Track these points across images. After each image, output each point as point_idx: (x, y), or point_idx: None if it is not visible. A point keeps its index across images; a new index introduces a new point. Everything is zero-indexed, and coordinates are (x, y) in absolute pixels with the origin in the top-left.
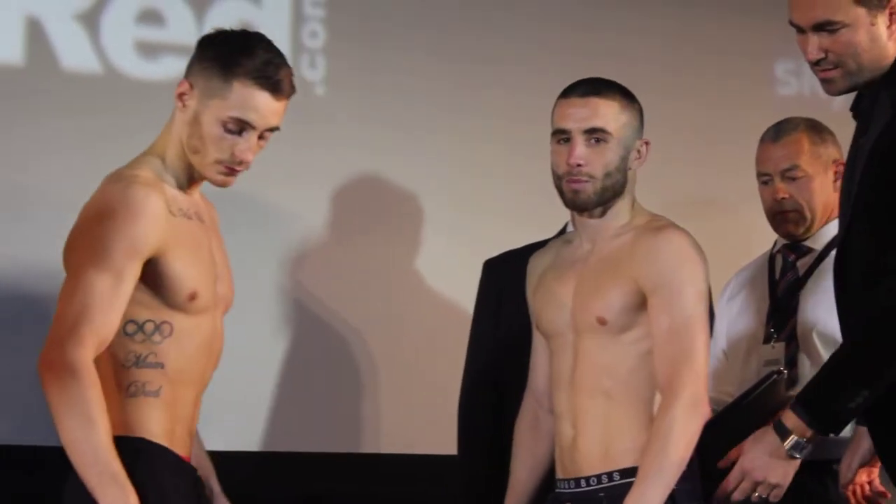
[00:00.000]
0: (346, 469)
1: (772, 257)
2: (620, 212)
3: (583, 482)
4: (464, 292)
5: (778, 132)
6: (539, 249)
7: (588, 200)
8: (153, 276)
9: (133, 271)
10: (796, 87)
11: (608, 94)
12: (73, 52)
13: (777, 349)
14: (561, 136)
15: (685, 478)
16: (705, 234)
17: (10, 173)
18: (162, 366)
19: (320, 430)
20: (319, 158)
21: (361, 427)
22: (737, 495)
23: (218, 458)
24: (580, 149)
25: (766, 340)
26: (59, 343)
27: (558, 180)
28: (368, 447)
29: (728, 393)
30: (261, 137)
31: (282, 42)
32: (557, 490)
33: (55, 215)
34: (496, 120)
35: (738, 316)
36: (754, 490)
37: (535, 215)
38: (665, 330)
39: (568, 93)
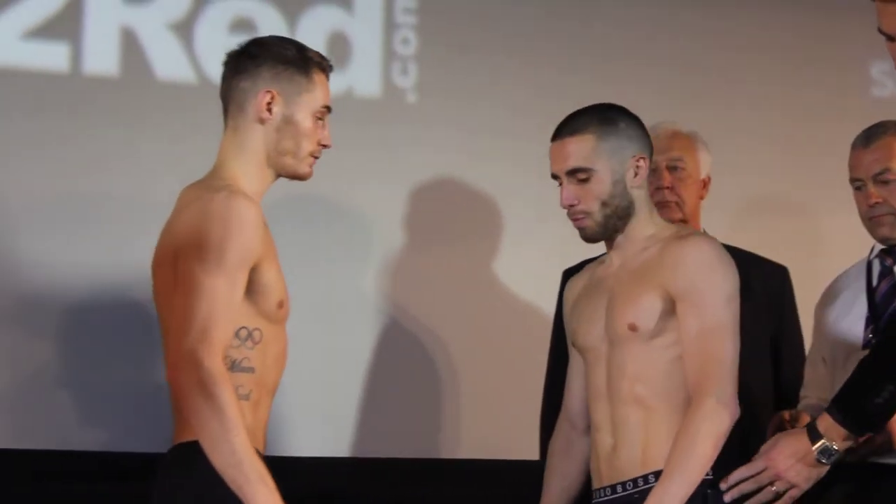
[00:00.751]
0: (426, 474)
1: (869, 263)
2: (640, 227)
3: (619, 487)
4: (546, 299)
5: (868, 137)
6: (575, 273)
7: (594, 234)
8: (251, 285)
9: (243, 280)
10: (892, 89)
11: (582, 131)
12: (168, 62)
13: None
14: (555, 180)
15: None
16: (796, 239)
17: (106, 182)
18: (253, 370)
19: (401, 436)
20: (410, 165)
21: (442, 432)
22: (749, 484)
23: (304, 464)
24: (567, 190)
25: (865, 346)
26: (194, 351)
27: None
28: (448, 453)
29: (827, 399)
30: None
31: (373, 49)
32: (595, 501)
33: (150, 223)
34: None
35: (837, 322)
36: (771, 483)
37: None
38: (694, 334)
39: (552, 136)
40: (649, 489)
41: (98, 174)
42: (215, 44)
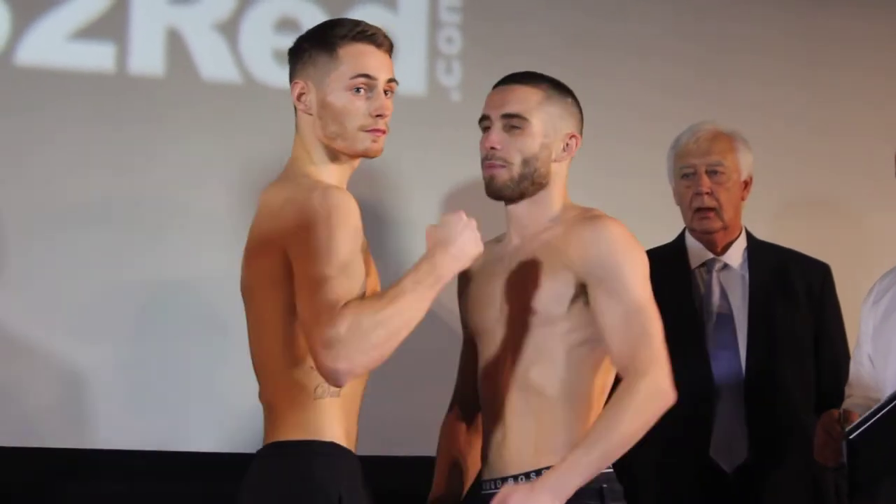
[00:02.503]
0: None
1: None
2: (547, 204)
3: (511, 481)
4: None
5: None
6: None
7: (504, 186)
8: None
9: (361, 264)
10: None
11: (533, 83)
12: (213, 61)
13: None
14: (483, 123)
15: (615, 479)
16: (840, 237)
17: (152, 182)
18: None
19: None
20: (454, 163)
21: None
22: None
23: None
24: (496, 133)
25: None
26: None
27: (482, 168)
28: None
29: (874, 399)
30: (386, 94)
31: (418, 48)
32: (483, 492)
33: (196, 223)
34: (632, 121)
35: (884, 319)
36: None
37: (667, 212)
38: (619, 316)
39: (498, 84)
40: None
41: (143, 174)
42: (260, 43)
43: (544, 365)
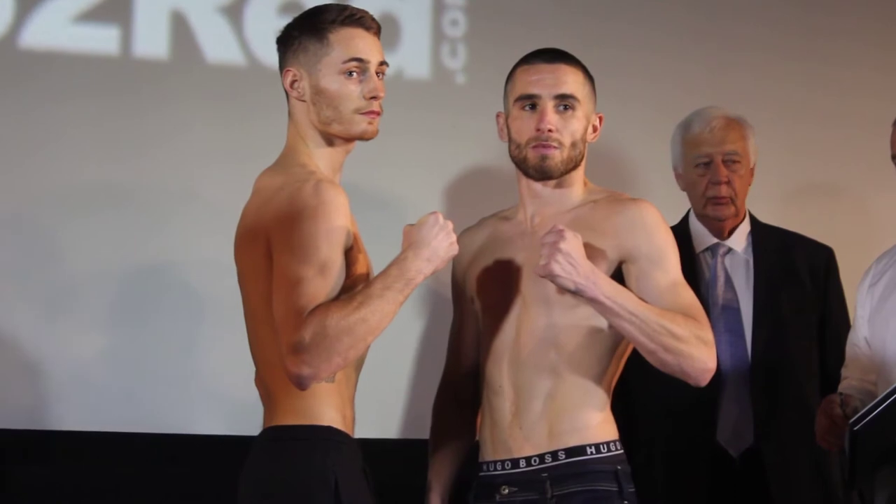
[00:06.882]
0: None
1: None
2: (574, 183)
3: (522, 462)
4: None
5: None
6: (471, 227)
7: (555, 168)
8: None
9: (340, 265)
10: None
11: (573, 63)
12: (217, 45)
13: None
14: (527, 101)
15: (626, 461)
16: (844, 220)
17: (156, 165)
18: None
19: None
20: (459, 147)
21: None
22: None
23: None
24: (551, 114)
25: None
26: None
27: (518, 149)
28: None
29: (871, 381)
30: (378, 76)
31: (422, 31)
32: (487, 473)
33: (200, 207)
34: (636, 108)
35: (881, 302)
36: None
37: (668, 201)
38: (664, 287)
39: (532, 59)
40: (558, 467)
41: (148, 157)
42: (265, 27)
43: (563, 346)
